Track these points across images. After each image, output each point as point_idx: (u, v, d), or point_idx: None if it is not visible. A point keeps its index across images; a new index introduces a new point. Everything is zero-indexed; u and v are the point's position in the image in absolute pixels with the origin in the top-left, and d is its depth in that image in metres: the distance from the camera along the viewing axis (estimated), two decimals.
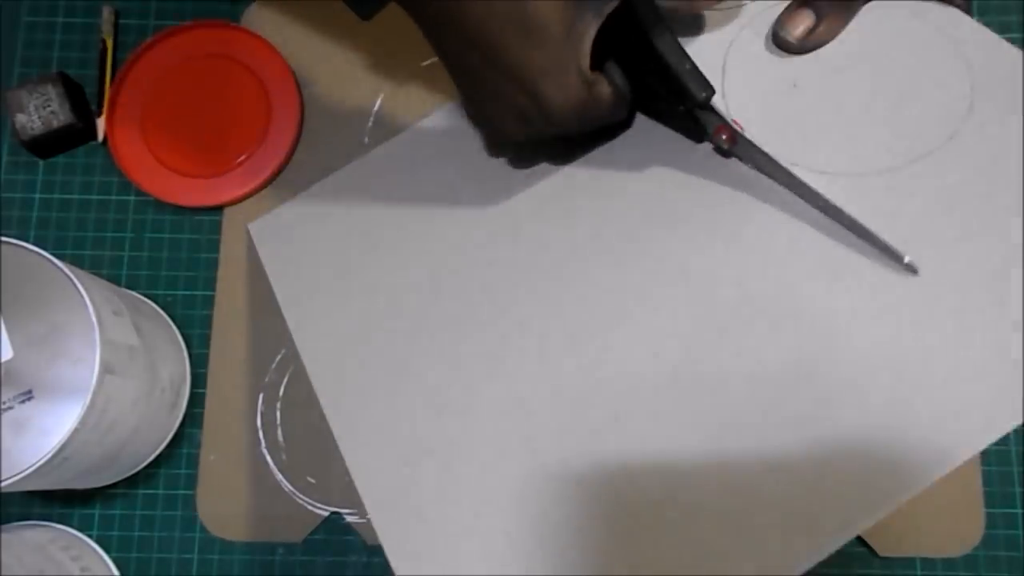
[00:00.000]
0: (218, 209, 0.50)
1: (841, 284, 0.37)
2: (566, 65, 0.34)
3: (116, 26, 0.52)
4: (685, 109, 0.38)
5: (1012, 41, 0.51)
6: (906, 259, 0.35)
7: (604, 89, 0.36)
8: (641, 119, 0.41)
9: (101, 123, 0.50)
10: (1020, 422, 0.34)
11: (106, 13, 0.51)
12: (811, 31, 0.38)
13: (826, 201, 0.36)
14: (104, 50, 0.51)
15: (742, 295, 0.38)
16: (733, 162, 0.39)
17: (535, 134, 0.38)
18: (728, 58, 0.40)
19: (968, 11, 0.40)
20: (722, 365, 0.37)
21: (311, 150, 0.50)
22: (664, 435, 0.37)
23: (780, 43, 0.39)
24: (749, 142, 0.37)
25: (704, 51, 0.40)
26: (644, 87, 0.38)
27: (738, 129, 0.37)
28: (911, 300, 0.36)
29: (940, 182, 0.37)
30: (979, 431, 0.34)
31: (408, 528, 0.36)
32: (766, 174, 0.38)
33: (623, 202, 0.41)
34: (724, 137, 0.37)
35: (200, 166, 0.49)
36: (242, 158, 0.49)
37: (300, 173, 0.50)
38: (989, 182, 0.36)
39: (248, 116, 0.50)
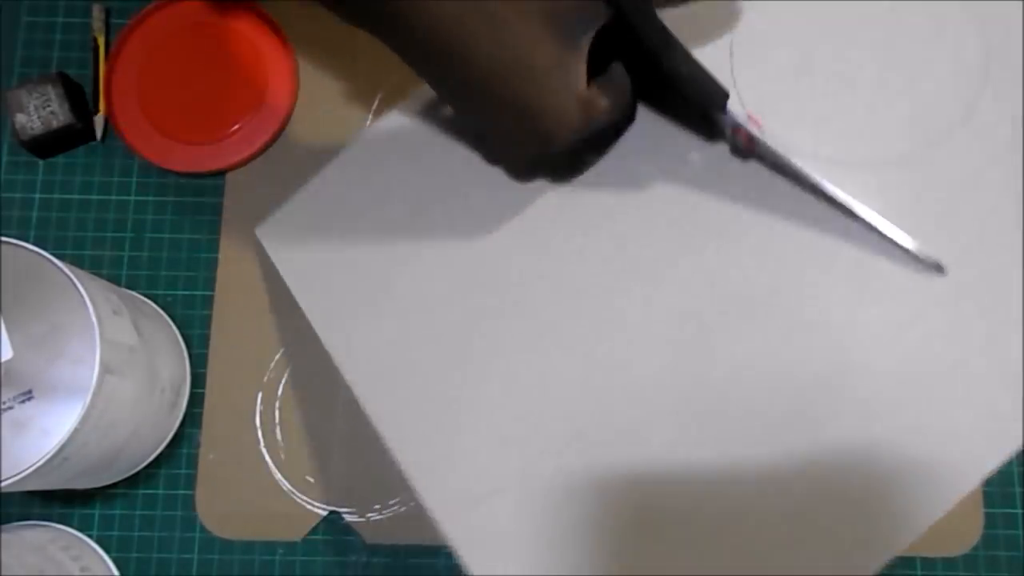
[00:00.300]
0: (219, 175, 0.50)
1: (863, 293, 0.36)
2: (560, 93, 0.33)
3: (108, 24, 0.52)
4: (697, 111, 0.37)
5: None
6: (931, 258, 0.34)
7: (603, 102, 0.35)
8: (649, 124, 0.41)
9: (99, 121, 0.50)
10: None
11: (96, 11, 0.51)
12: None
13: (844, 204, 0.35)
14: (96, 48, 0.51)
15: (762, 306, 0.37)
16: (750, 165, 0.38)
17: (536, 157, 0.37)
18: (734, 43, 0.39)
19: None
20: (740, 376, 0.37)
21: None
22: (694, 446, 0.36)
23: None
24: (766, 144, 0.36)
25: (710, 36, 0.39)
26: (649, 84, 0.37)
27: (756, 130, 0.36)
28: (936, 305, 0.34)
29: (960, 167, 0.34)
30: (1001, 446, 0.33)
31: (497, 564, 0.36)
32: (782, 174, 0.37)
33: (642, 211, 0.40)
34: (742, 140, 0.36)
35: (197, 132, 0.50)
36: (238, 125, 0.50)
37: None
38: (1009, 165, 0.34)
39: (244, 82, 0.50)
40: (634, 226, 0.40)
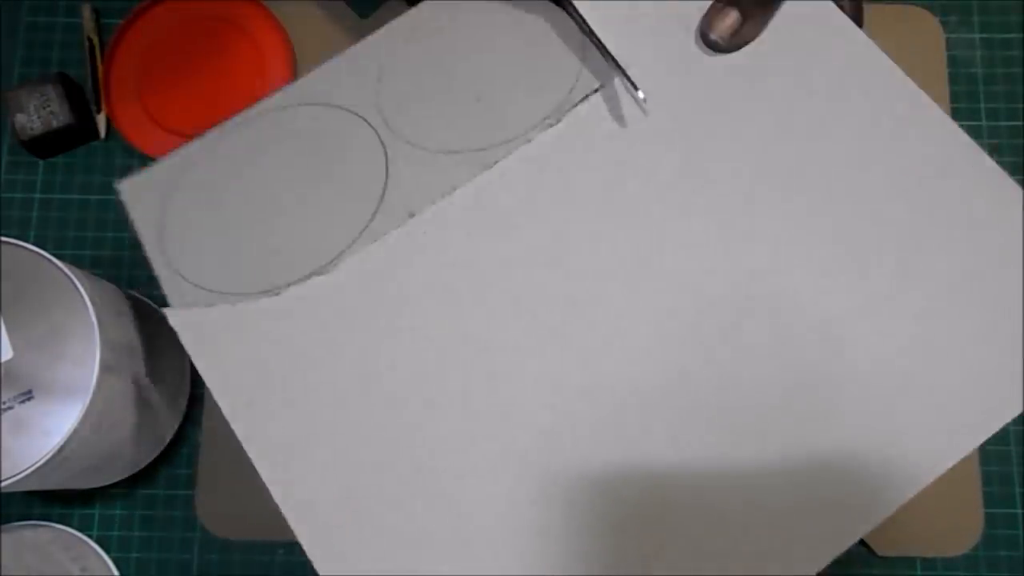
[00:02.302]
0: None
1: (831, 281, 0.37)
2: None
3: (99, 23, 0.52)
4: None
5: (1011, 42, 0.51)
6: (640, 95, 0.37)
7: None
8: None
9: (102, 119, 0.50)
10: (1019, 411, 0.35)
11: (86, 12, 0.52)
12: (736, 30, 0.38)
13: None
14: (92, 48, 0.51)
15: (738, 293, 0.38)
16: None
17: None
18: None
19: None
20: (718, 368, 0.37)
21: None
22: (662, 441, 0.36)
23: (709, 43, 0.39)
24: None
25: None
26: None
27: None
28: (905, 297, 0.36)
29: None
30: (976, 426, 0.35)
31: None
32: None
33: (590, 193, 0.39)
34: None
35: (196, 126, 0.50)
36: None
37: None
38: None
39: (242, 76, 0.51)
40: (574, 218, 0.38)
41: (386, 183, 0.38)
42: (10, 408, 0.37)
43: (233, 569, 0.46)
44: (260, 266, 0.38)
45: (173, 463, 0.47)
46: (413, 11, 0.41)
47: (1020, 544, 0.46)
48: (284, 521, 0.45)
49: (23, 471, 0.36)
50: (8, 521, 0.46)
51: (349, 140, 0.39)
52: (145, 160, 0.50)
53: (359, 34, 0.52)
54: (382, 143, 0.39)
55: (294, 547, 0.46)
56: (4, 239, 0.38)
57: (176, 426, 0.46)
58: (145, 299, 0.47)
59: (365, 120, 0.39)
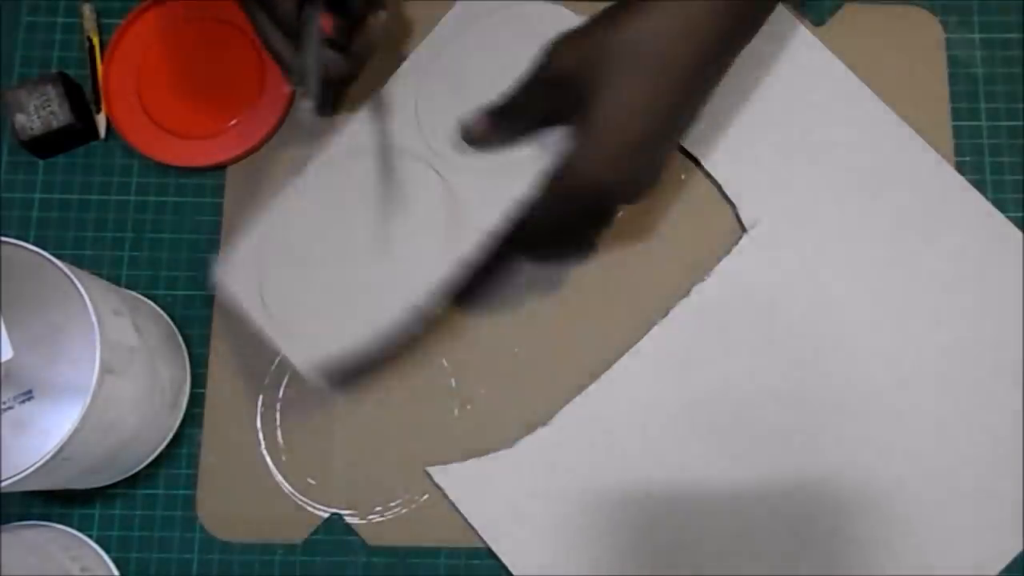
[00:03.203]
0: (218, 173, 0.50)
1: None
2: None
3: (99, 23, 0.52)
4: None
5: (1011, 42, 0.51)
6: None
7: None
8: None
9: (102, 119, 0.50)
10: None
11: (87, 12, 0.51)
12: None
13: None
14: (92, 48, 0.51)
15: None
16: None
17: None
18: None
19: None
20: (765, 399, 0.44)
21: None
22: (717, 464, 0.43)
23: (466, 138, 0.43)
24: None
25: None
26: None
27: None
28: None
29: None
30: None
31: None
32: None
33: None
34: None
35: (195, 127, 0.50)
36: (236, 119, 0.50)
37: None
38: None
39: (242, 76, 0.51)
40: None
41: (454, 209, 0.42)
42: (10, 408, 0.37)
43: (233, 569, 0.46)
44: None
45: (173, 463, 0.47)
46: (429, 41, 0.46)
47: (1020, 544, 0.46)
48: (283, 522, 0.46)
49: (23, 471, 0.35)
50: (8, 521, 0.46)
51: (413, 178, 0.44)
52: (145, 160, 0.50)
53: None
54: (439, 174, 0.43)
55: (294, 547, 0.46)
56: (4, 239, 0.38)
57: (176, 426, 0.46)
58: (145, 299, 0.47)
59: (420, 158, 0.44)
